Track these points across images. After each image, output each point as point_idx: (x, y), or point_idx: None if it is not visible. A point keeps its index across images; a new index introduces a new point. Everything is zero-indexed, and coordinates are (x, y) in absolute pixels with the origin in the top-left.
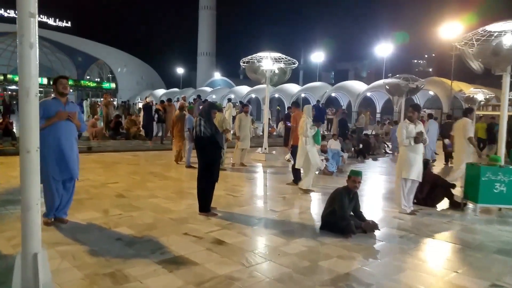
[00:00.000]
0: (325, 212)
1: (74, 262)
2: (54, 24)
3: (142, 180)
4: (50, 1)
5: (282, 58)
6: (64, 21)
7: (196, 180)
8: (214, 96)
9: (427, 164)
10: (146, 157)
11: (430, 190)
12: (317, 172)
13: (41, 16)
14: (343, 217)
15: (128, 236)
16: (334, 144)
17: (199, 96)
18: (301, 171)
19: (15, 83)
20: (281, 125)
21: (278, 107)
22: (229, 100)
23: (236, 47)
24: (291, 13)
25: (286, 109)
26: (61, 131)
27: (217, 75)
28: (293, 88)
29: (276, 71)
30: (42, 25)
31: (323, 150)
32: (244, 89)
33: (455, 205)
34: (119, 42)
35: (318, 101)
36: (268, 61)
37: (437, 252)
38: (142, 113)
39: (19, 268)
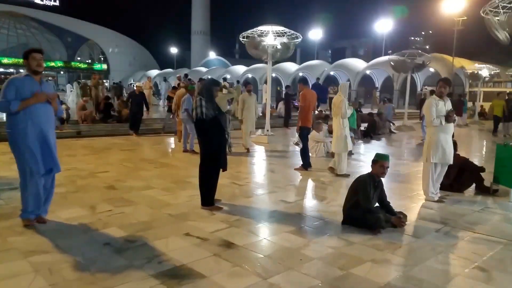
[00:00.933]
0: (347, 204)
1: (50, 278)
2: (41, 3)
3: (136, 168)
4: None
5: (285, 32)
6: None
7: (198, 168)
8: (209, 77)
9: (456, 146)
10: (140, 142)
11: (458, 174)
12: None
13: None
14: (369, 210)
15: (118, 240)
16: None
17: (186, 76)
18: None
19: (4, 65)
20: (281, 105)
21: (278, 88)
22: (224, 79)
23: (231, 26)
24: None
25: (284, 88)
26: (42, 116)
27: (212, 55)
28: (290, 66)
29: (279, 47)
30: (28, 4)
31: (330, 131)
32: (240, 69)
33: (483, 190)
34: (110, 21)
35: (317, 79)
36: (270, 35)
37: (483, 250)
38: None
39: None
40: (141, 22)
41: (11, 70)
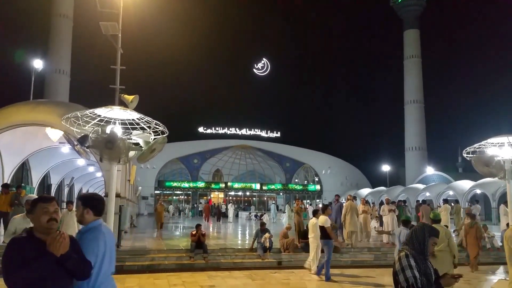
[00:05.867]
0: None
1: None
2: (266, 135)
3: None
4: (264, 117)
5: None
6: (274, 132)
7: None
8: (428, 194)
9: None
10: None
11: None
12: None
13: (255, 129)
14: None
15: None
16: None
17: (337, 197)
18: None
19: (234, 189)
20: None
21: None
22: (445, 201)
23: (450, 138)
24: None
25: None
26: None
27: (430, 170)
28: None
29: None
30: (256, 137)
31: None
32: (465, 184)
33: None
34: (323, 145)
35: None
36: (507, 148)
37: None
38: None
39: None
40: (352, 144)
41: (240, 193)
